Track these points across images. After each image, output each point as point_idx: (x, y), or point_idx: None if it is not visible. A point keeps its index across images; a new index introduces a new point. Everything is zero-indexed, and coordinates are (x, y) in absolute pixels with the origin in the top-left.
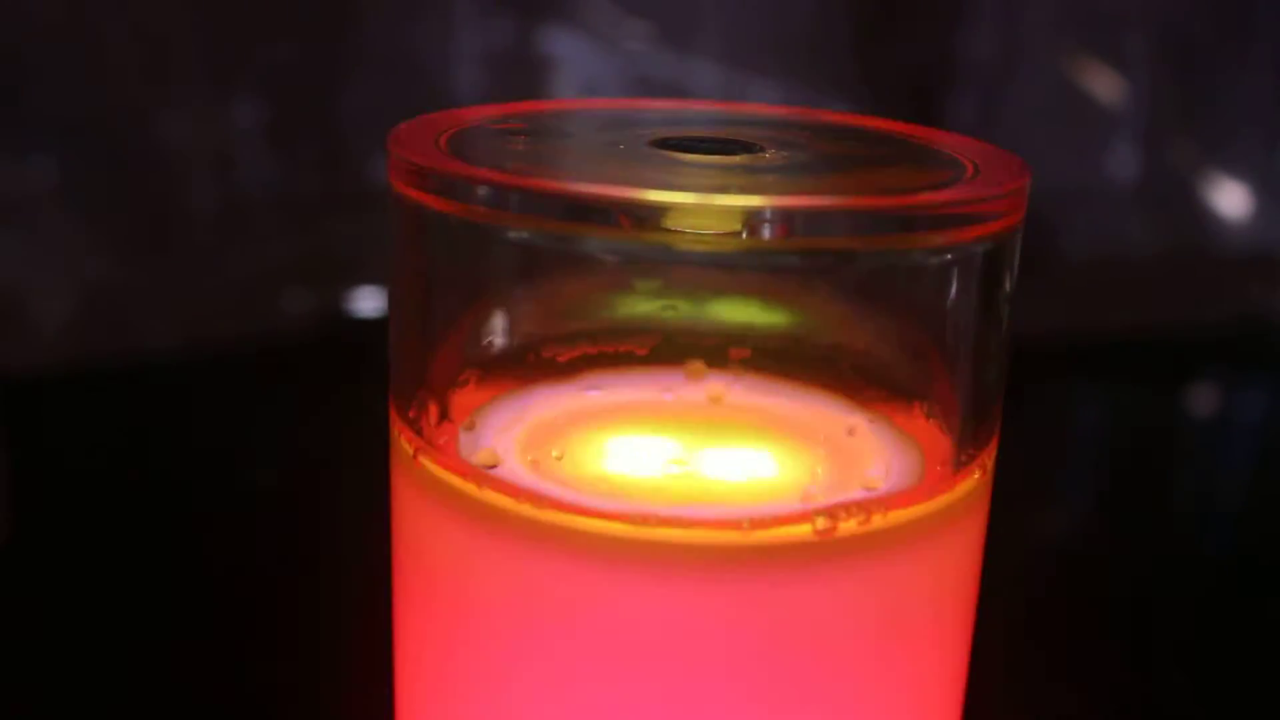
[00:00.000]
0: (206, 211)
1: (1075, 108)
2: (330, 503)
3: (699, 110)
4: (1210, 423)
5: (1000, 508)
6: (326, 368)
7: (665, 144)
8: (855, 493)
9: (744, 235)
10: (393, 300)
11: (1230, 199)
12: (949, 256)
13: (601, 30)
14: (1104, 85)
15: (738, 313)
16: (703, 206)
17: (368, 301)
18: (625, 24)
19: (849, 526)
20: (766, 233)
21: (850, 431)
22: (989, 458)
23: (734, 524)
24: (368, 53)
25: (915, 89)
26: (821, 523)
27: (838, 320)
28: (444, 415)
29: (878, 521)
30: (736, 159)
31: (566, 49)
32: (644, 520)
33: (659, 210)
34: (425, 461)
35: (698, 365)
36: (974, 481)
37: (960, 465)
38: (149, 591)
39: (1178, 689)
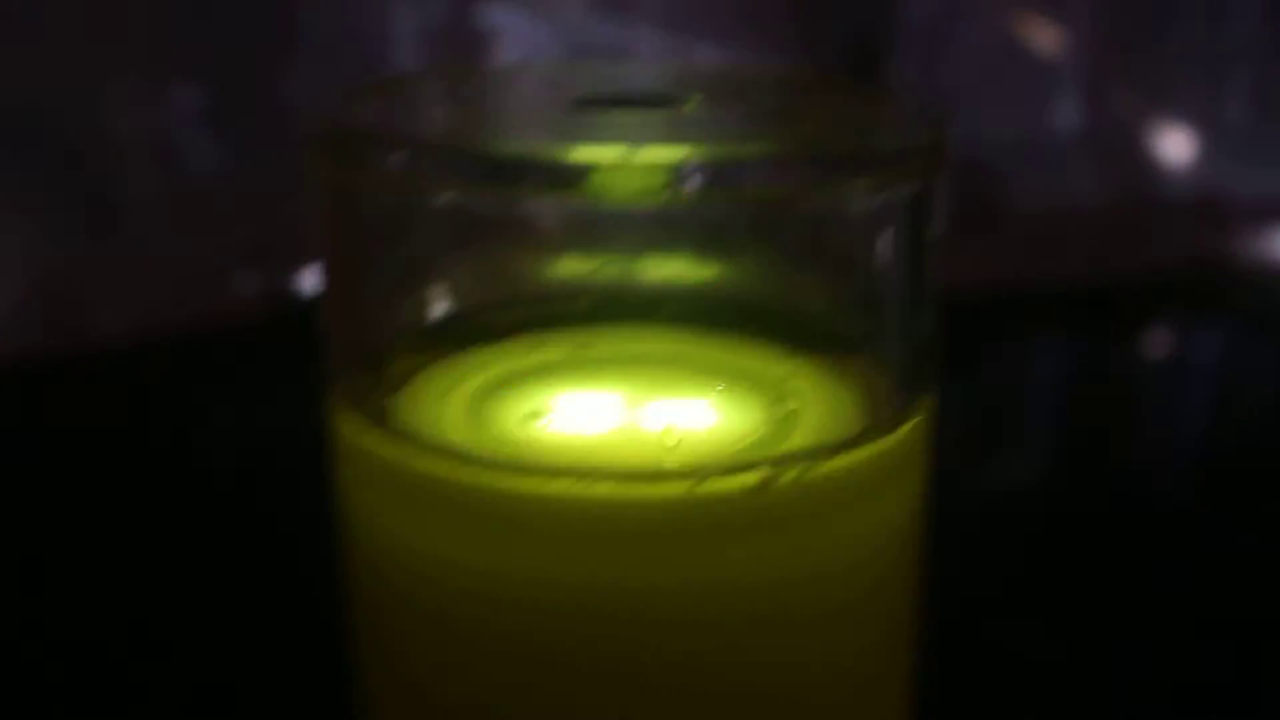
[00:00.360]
0: (151, 197)
1: (1018, 61)
2: (286, 485)
3: (624, 68)
4: (1164, 368)
5: (958, 458)
6: (278, 349)
7: (589, 102)
8: (796, 441)
9: (667, 189)
10: (324, 275)
11: (1175, 145)
12: (875, 205)
13: (537, 0)
14: (1045, 37)
15: (668, 269)
16: (626, 164)
17: (313, 281)
18: None
19: (793, 475)
20: (690, 186)
21: (788, 380)
22: (927, 407)
23: (682, 477)
24: (307, 33)
25: (858, 47)
26: (767, 472)
27: (770, 272)
28: (378, 385)
29: (816, 472)
30: (658, 114)
31: (505, 21)
32: (589, 477)
33: (581, 169)
34: (362, 433)
35: (632, 324)
36: (910, 430)
37: (899, 412)
38: (104, 580)
39: (1134, 632)
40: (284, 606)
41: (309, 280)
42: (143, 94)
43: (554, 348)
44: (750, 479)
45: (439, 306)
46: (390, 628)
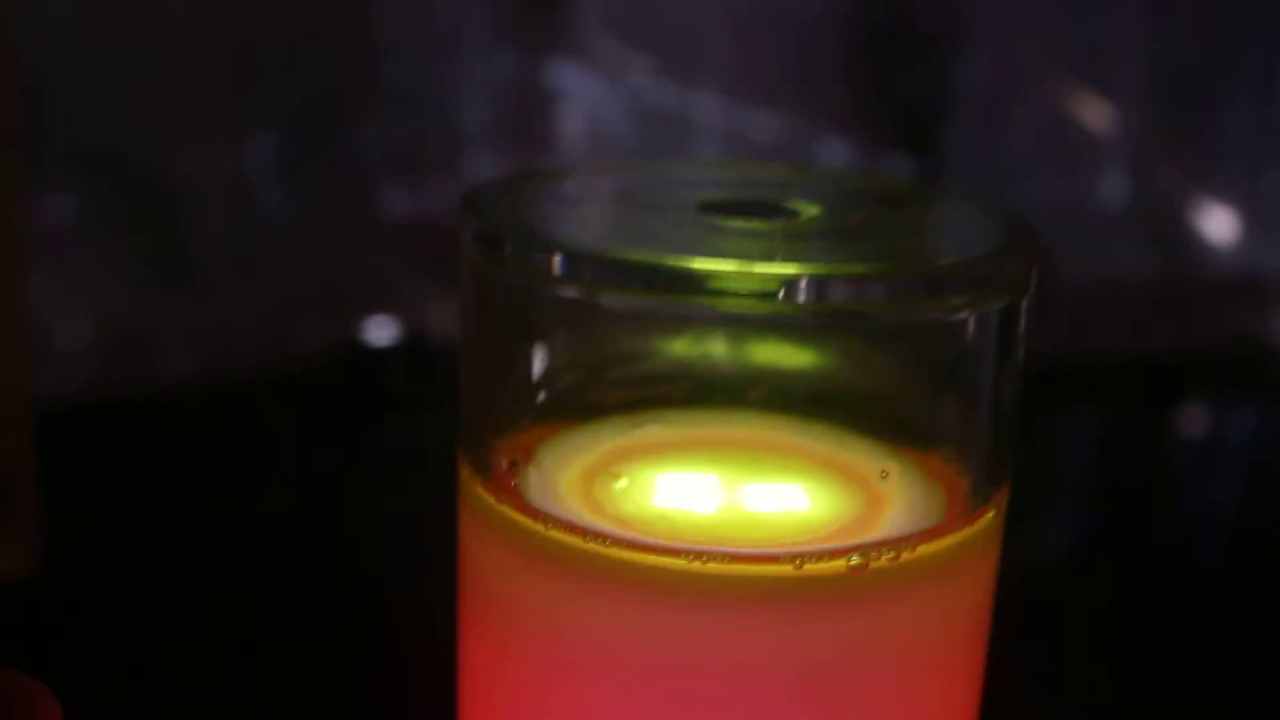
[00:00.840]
0: (223, 244)
1: (1067, 136)
2: (350, 529)
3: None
4: (1202, 445)
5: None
6: (342, 397)
7: (710, 207)
8: (884, 530)
9: (781, 298)
10: (463, 353)
11: (1218, 224)
12: (968, 315)
13: (605, 63)
14: (1095, 114)
15: (773, 360)
16: (747, 274)
17: (382, 331)
18: (628, 56)
19: (882, 562)
20: (802, 297)
21: (879, 474)
22: (1003, 498)
23: (786, 559)
24: (380, 84)
25: (911, 119)
26: (859, 558)
27: (865, 369)
28: (510, 462)
29: (906, 557)
30: (775, 224)
31: (571, 82)
32: (704, 556)
33: (707, 276)
34: (493, 503)
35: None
36: (989, 520)
37: (977, 505)
38: (174, 619)
39: (1176, 711)
40: (349, 645)
41: (374, 330)
42: (219, 141)
43: (664, 430)
44: (846, 563)
45: (561, 387)
46: (502, 682)
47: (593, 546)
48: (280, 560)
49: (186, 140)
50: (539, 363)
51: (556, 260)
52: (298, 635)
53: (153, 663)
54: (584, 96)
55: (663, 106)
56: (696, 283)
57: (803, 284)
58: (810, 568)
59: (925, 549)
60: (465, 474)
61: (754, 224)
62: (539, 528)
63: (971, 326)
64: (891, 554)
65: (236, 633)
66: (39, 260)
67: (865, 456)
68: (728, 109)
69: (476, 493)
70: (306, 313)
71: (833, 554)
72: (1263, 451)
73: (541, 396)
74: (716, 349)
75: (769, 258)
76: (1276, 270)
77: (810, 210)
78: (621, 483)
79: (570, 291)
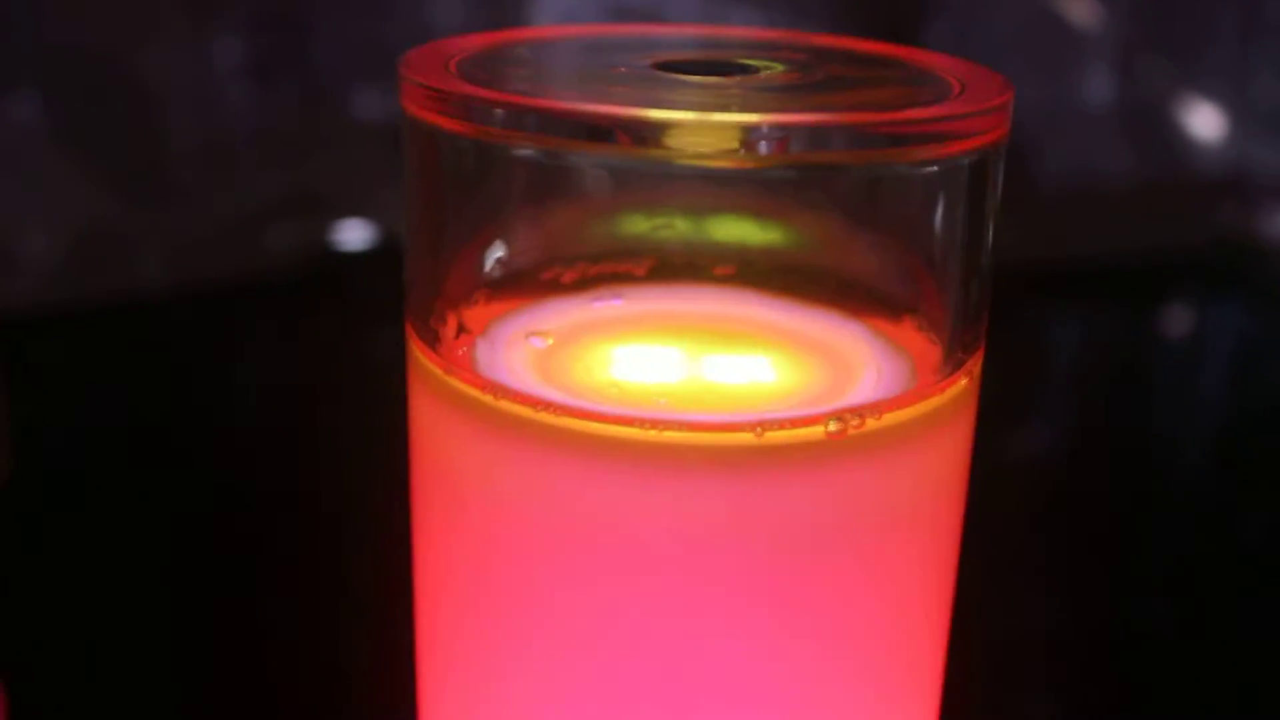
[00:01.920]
0: (190, 149)
1: (1048, 33)
2: (323, 432)
3: (695, 34)
4: (1186, 344)
5: (982, 429)
6: (313, 301)
7: (666, 66)
8: (852, 398)
9: (741, 152)
10: (409, 221)
11: (1203, 122)
12: (937, 170)
13: None
14: (1077, 10)
15: (735, 230)
16: (704, 123)
17: (352, 234)
18: None
19: (848, 430)
20: (763, 149)
21: (845, 340)
22: (976, 364)
23: (747, 427)
24: None
25: (892, 15)
26: (827, 426)
27: (831, 235)
28: (459, 330)
29: (874, 424)
30: (734, 80)
31: None
32: (660, 425)
33: (662, 127)
34: (443, 375)
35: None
36: (962, 386)
37: (949, 371)
38: (146, 525)
39: (1153, 602)
40: (331, 548)
41: (344, 233)
42: (186, 43)
43: (621, 302)
44: (814, 431)
45: (518, 257)
46: (459, 558)
47: (543, 417)
48: (252, 466)
49: (153, 43)
50: (488, 231)
51: (499, 113)
52: (269, 541)
53: (124, 574)
54: None
55: (637, 3)
56: (651, 133)
57: (763, 132)
58: (771, 436)
59: (893, 417)
60: (413, 345)
61: (714, 80)
62: (488, 399)
63: (940, 182)
64: (857, 421)
65: (205, 537)
66: (3, 169)
67: (834, 327)
68: (704, 5)
69: (424, 364)
70: (278, 216)
71: (795, 422)
72: (1249, 350)
73: (492, 268)
74: (677, 220)
75: (726, 109)
76: (1263, 168)
77: (773, 68)
78: (548, 342)
79: (514, 147)
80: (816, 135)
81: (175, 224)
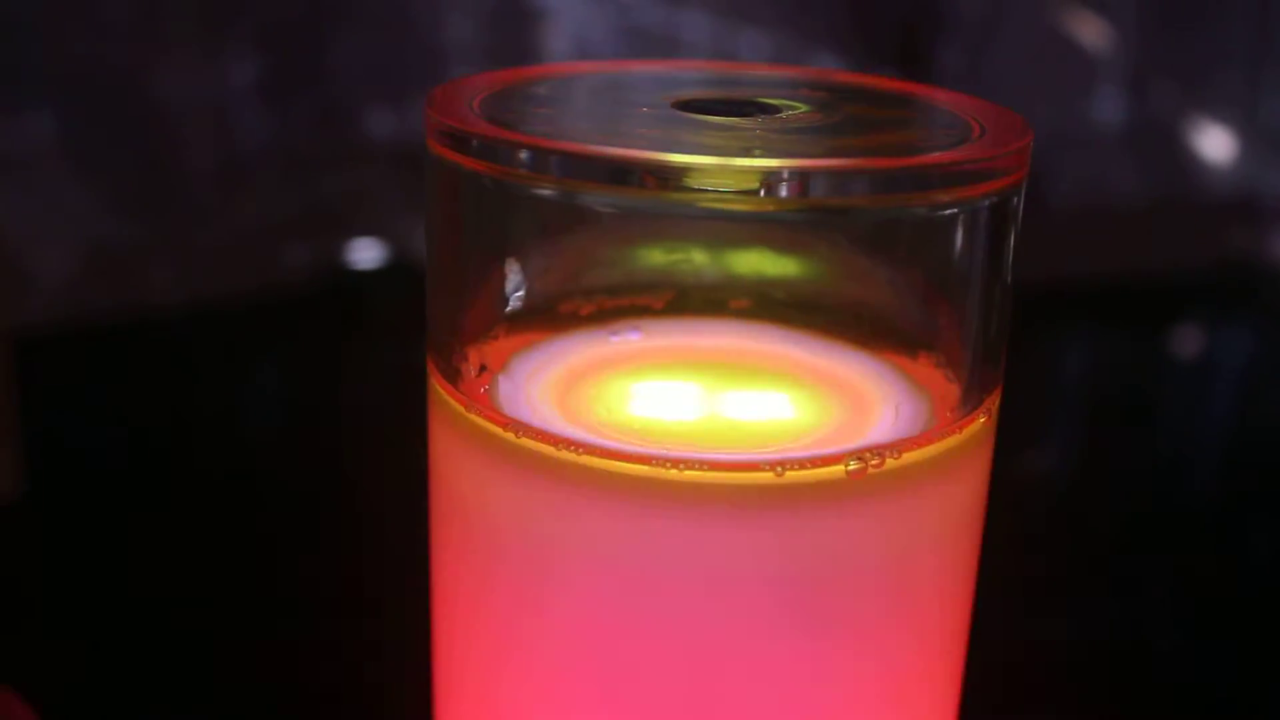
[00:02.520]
0: (204, 167)
1: (1060, 55)
2: (337, 449)
3: (715, 72)
4: (1195, 364)
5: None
6: (326, 319)
7: (686, 106)
8: (871, 437)
9: (762, 195)
10: (430, 258)
11: (1213, 144)
12: (957, 212)
13: None
14: (1088, 33)
15: (754, 266)
16: (725, 168)
17: (365, 253)
18: None
19: (866, 469)
20: (784, 193)
21: (864, 377)
22: (994, 402)
23: (767, 466)
24: (359, 7)
25: (904, 38)
26: (847, 465)
27: (851, 273)
28: (481, 367)
29: (893, 463)
30: (754, 120)
31: (556, 1)
32: (681, 464)
33: (683, 171)
34: (463, 411)
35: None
36: (980, 425)
37: (967, 411)
38: (159, 540)
39: (1161, 623)
40: (337, 568)
41: (357, 252)
42: (200, 62)
43: (640, 336)
44: (833, 471)
45: (538, 293)
46: (475, 592)
47: (565, 455)
48: (266, 484)
49: (168, 62)
50: (509, 267)
51: (523, 155)
52: (282, 557)
53: (132, 590)
54: (569, 14)
55: (650, 24)
56: (672, 177)
57: (784, 177)
58: (791, 475)
59: (912, 456)
60: (435, 381)
61: (733, 121)
62: (509, 436)
63: (960, 224)
64: (876, 460)
65: (219, 553)
66: (18, 185)
67: (852, 364)
68: (717, 27)
69: (446, 400)
70: (290, 235)
71: (815, 461)
72: (1258, 370)
73: (514, 303)
74: (696, 255)
75: (748, 152)
76: (1272, 190)
77: (793, 108)
78: (598, 392)
79: (536, 188)
80: (837, 180)
81: (189, 242)
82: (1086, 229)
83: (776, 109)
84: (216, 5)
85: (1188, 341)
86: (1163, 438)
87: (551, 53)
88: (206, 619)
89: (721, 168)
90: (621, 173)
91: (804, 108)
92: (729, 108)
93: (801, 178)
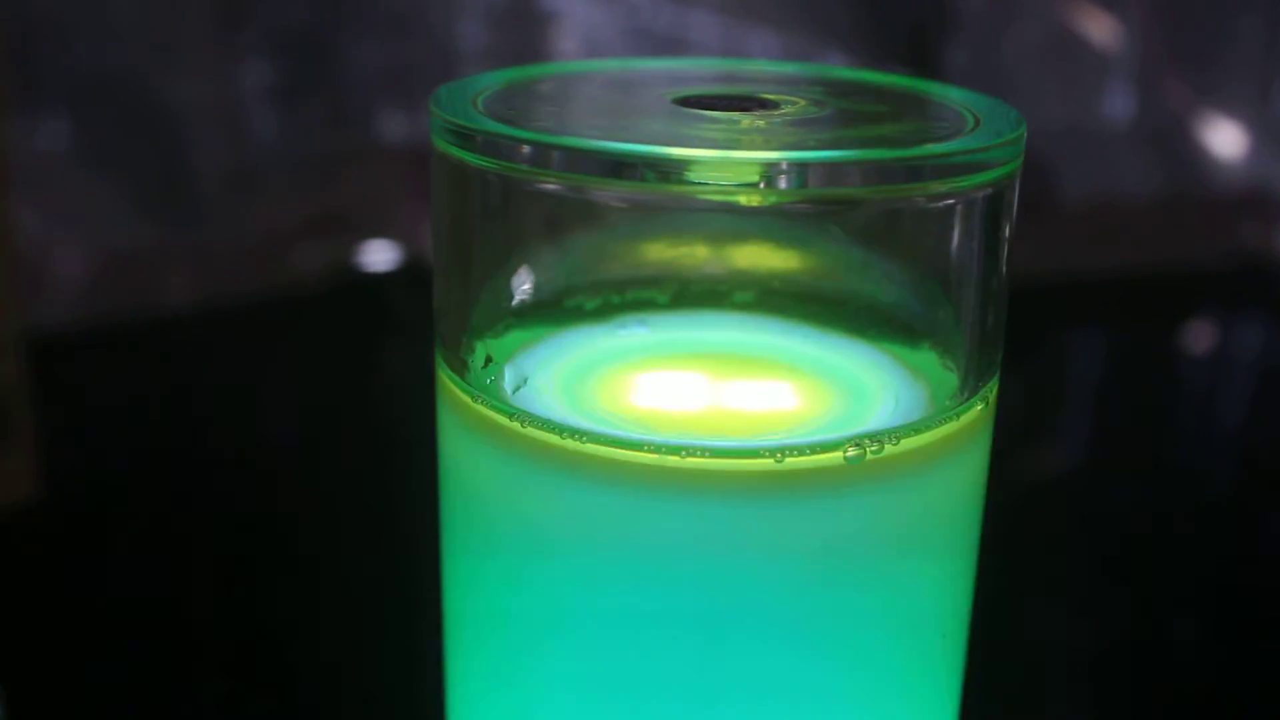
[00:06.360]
0: (218, 170)
1: (1070, 52)
2: (349, 448)
3: (716, 69)
4: (1206, 360)
5: (999, 445)
6: (339, 320)
7: (688, 102)
8: (871, 425)
9: (762, 187)
10: (437, 253)
11: (1224, 139)
12: (953, 203)
13: None
14: (1098, 28)
15: (755, 260)
16: (725, 160)
17: (377, 254)
18: None
19: (866, 456)
20: (783, 184)
21: (863, 367)
22: (992, 391)
23: (767, 453)
24: (371, 10)
25: (912, 36)
26: (846, 452)
27: (850, 265)
28: (487, 359)
29: (891, 450)
30: (754, 115)
31: (566, 2)
32: (683, 451)
33: (684, 164)
34: (470, 402)
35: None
36: (978, 412)
37: (966, 398)
38: (173, 541)
39: (1174, 622)
40: (354, 567)
41: (370, 254)
42: (214, 66)
43: (645, 330)
44: (833, 457)
45: (543, 287)
46: (485, 582)
47: (570, 443)
48: (280, 485)
49: (181, 65)
50: (515, 262)
51: (526, 150)
52: (293, 556)
53: (150, 589)
54: (579, 16)
55: (659, 26)
56: (674, 170)
57: (783, 169)
58: (791, 462)
59: (910, 443)
60: (442, 373)
61: (734, 116)
62: (515, 425)
63: (956, 215)
64: (875, 447)
65: (231, 552)
66: (35, 189)
67: (851, 355)
68: (725, 28)
69: (453, 391)
70: (304, 237)
71: (814, 448)
72: (1270, 366)
73: (519, 297)
74: (698, 249)
75: (749, 145)
76: None
77: (792, 103)
78: (602, 383)
79: (540, 183)
80: (835, 171)
81: (204, 244)
82: (1098, 225)
83: (775, 104)
84: (230, 9)
85: (1200, 337)
86: (1175, 433)
87: (561, 54)
88: (221, 619)
89: (722, 160)
90: (623, 166)
91: (803, 102)
92: (730, 103)
93: (799, 169)
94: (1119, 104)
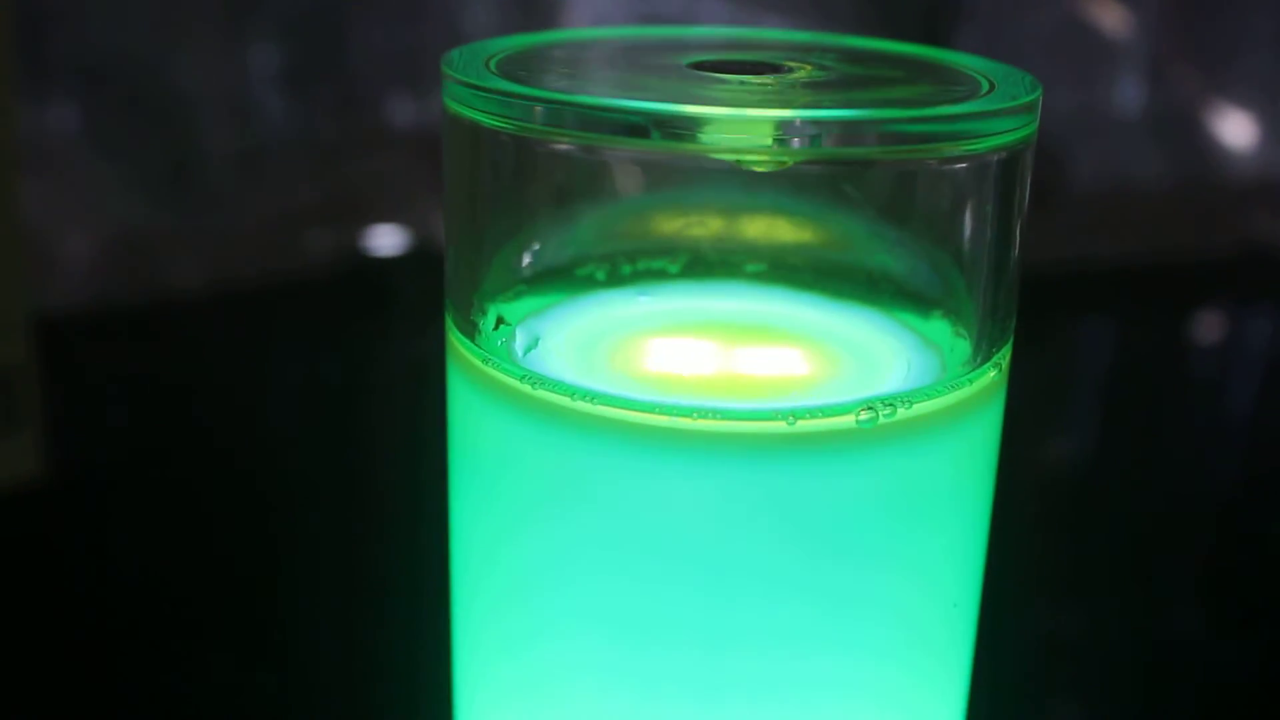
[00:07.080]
0: (227, 154)
1: (1081, 40)
2: (358, 433)
3: (729, 36)
4: (1216, 349)
5: (1010, 431)
6: (348, 305)
7: (701, 66)
8: (883, 389)
9: (775, 146)
10: (448, 216)
11: (1235, 129)
12: (967, 167)
13: None
14: (1109, 16)
15: (768, 227)
16: (738, 118)
17: (387, 239)
18: None
19: (878, 420)
20: (796, 144)
21: (876, 334)
22: (1004, 357)
23: (779, 416)
24: None
25: (923, 22)
26: (858, 415)
27: (863, 232)
28: (498, 321)
29: (903, 413)
30: (768, 78)
31: None
32: (694, 414)
33: (698, 122)
34: (481, 365)
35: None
36: (991, 378)
37: (977, 365)
38: (182, 523)
39: (1181, 609)
40: (363, 547)
41: (378, 238)
42: (222, 50)
43: (657, 297)
44: (841, 420)
45: (553, 254)
46: (494, 544)
47: (580, 405)
48: (287, 469)
49: (190, 50)
50: (527, 225)
51: (538, 110)
52: (304, 539)
53: (156, 567)
54: (588, 1)
55: (668, 11)
56: (687, 128)
57: (797, 127)
58: (803, 425)
59: (922, 406)
60: (453, 335)
61: (748, 78)
62: (526, 388)
63: (970, 178)
64: (887, 410)
65: (241, 535)
66: (44, 172)
67: (865, 322)
68: (735, 13)
69: (463, 353)
70: (312, 221)
71: (826, 411)
72: (1276, 354)
73: (531, 262)
74: (712, 217)
75: (762, 105)
76: None
77: (806, 68)
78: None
79: (553, 143)
80: (849, 130)
81: (212, 228)
82: (1109, 214)
83: (790, 69)
84: None
85: (1208, 325)
86: (1184, 423)
87: None
88: (227, 602)
89: (735, 118)
90: (636, 125)
91: (815, 67)
92: (743, 67)
93: (813, 127)
94: (1130, 92)
